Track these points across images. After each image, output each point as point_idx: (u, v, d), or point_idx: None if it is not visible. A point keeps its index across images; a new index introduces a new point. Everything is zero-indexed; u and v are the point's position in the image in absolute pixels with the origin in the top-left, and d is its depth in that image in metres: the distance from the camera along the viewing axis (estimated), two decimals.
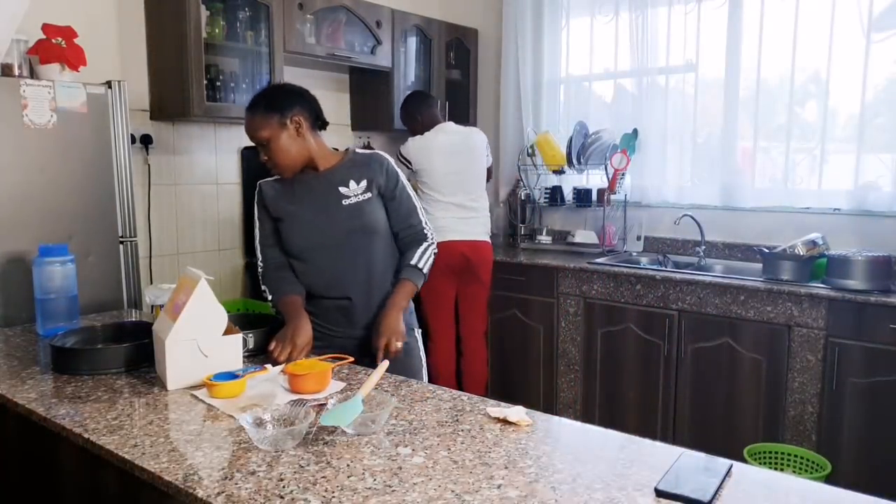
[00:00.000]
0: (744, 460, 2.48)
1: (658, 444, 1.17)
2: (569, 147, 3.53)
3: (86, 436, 1.21)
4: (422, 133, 3.22)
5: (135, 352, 1.60)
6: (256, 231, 1.91)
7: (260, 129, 1.71)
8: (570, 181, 3.74)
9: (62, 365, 1.58)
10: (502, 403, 1.33)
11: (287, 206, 1.82)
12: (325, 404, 1.30)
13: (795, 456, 2.56)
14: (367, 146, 3.51)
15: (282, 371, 1.48)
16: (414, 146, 3.17)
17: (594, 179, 3.63)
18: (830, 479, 2.46)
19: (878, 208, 2.88)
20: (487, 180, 3.36)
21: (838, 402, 2.55)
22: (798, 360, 2.62)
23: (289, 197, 1.83)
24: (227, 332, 1.52)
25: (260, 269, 1.92)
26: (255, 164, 3.31)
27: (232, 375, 1.43)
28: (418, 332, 1.96)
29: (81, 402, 1.38)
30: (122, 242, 2.38)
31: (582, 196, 3.64)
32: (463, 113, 4.12)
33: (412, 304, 1.96)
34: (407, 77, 3.77)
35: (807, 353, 2.60)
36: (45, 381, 1.52)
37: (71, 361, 1.57)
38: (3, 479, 1.63)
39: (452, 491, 0.99)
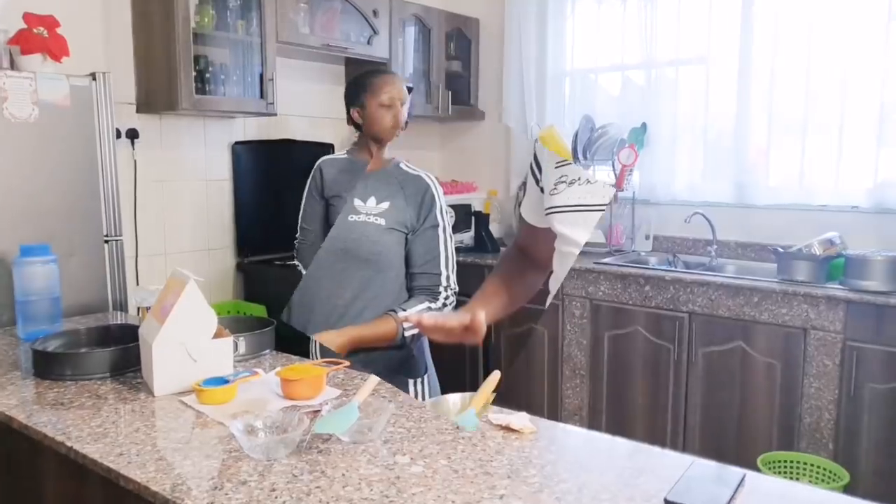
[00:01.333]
0: (757, 469, 2.48)
1: (668, 452, 1.17)
2: (574, 142, 3.53)
3: (69, 444, 1.21)
4: None
5: (120, 356, 1.60)
6: (302, 207, 1.94)
7: (403, 88, 1.86)
8: None
9: (44, 370, 1.58)
10: (505, 410, 1.33)
11: (343, 192, 1.85)
12: (319, 410, 1.30)
13: (812, 465, 2.56)
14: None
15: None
16: None
17: (601, 175, 3.63)
18: (848, 490, 2.46)
19: None
20: None
21: (857, 408, 2.55)
22: (814, 365, 2.62)
23: (344, 184, 1.85)
24: (217, 336, 1.52)
25: (296, 243, 1.95)
26: (246, 159, 3.32)
27: (222, 381, 1.43)
28: (426, 378, 1.83)
29: (64, 409, 1.38)
30: (106, 241, 2.38)
31: None
32: (464, 106, 4.12)
33: (425, 343, 1.85)
34: (405, 68, 3.77)
35: (823, 358, 2.60)
36: (27, 387, 1.52)
37: (53, 366, 1.57)
38: None
39: (453, 501, 0.99)
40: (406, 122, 1.88)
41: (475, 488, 1.03)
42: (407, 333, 1.65)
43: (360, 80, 1.89)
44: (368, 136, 1.87)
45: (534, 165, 1.46)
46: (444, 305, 1.72)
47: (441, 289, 1.71)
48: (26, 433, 1.31)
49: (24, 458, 1.44)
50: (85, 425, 1.29)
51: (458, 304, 1.72)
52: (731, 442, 2.81)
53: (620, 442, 1.22)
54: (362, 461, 1.13)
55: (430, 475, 1.07)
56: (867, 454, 2.55)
